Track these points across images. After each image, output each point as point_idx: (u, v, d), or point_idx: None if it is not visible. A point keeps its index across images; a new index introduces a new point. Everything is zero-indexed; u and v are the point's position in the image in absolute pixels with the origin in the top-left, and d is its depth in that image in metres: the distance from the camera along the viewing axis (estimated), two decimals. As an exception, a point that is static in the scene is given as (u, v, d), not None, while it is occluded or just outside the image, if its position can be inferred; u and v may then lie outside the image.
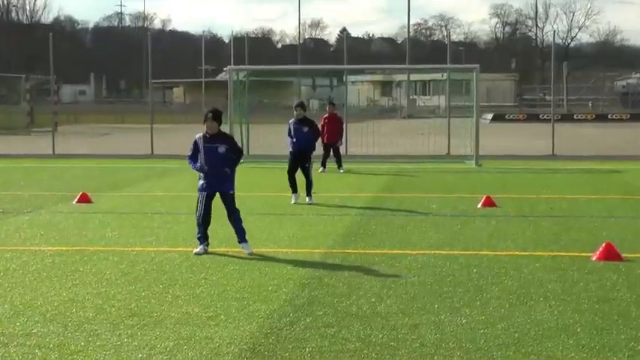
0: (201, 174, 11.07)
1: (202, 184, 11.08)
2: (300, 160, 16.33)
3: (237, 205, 11.16)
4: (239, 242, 11.07)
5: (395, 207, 15.95)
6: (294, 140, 16.38)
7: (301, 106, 16.61)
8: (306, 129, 16.38)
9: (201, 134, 11.07)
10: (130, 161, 28.55)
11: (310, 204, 16.07)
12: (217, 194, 11.17)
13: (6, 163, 27.49)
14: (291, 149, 16.49)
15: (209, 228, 11.14)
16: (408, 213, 15.07)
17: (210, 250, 11.18)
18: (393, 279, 9.44)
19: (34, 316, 7.85)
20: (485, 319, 7.76)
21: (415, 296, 8.63)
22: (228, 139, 11.11)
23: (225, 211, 11.21)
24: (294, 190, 16.25)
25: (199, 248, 11.03)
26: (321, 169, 23.48)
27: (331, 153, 24.15)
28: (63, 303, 8.39)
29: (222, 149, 10.95)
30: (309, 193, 16.34)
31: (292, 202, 16.10)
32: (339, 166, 24.07)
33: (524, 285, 9.16)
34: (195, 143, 11.07)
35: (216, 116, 10.89)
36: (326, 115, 24.25)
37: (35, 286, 9.15)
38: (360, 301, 8.40)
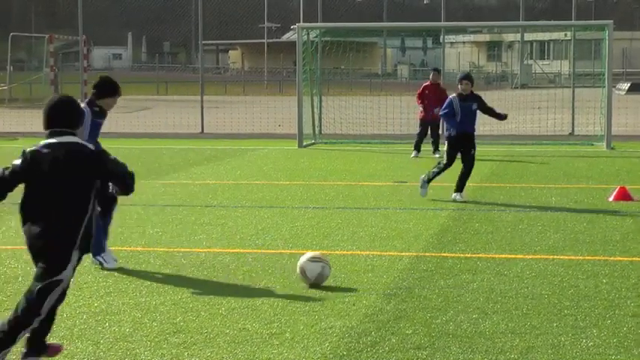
0: None
1: None
2: (465, 146, 15.98)
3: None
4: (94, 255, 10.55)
5: (503, 200, 15.86)
6: (459, 122, 15.90)
7: (468, 78, 16.12)
8: (474, 106, 16.06)
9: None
10: (176, 141, 28.89)
11: (464, 201, 15.64)
12: None
13: (25, 144, 27.94)
14: (453, 133, 16.09)
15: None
16: (520, 208, 14.97)
17: (273, 251, 11.28)
18: (501, 290, 9.40)
19: (58, 331, 8.00)
20: (617, 342, 7.69)
21: (528, 312, 8.59)
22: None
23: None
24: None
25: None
26: (413, 153, 23.40)
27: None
28: (94, 315, 8.55)
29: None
30: (461, 188, 15.91)
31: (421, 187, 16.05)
32: (436, 148, 23.83)
33: (667, 300, 9.05)
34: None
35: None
36: (427, 83, 23.99)
37: (60, 295, 9.33)
38: (458, 317, 8.40)
